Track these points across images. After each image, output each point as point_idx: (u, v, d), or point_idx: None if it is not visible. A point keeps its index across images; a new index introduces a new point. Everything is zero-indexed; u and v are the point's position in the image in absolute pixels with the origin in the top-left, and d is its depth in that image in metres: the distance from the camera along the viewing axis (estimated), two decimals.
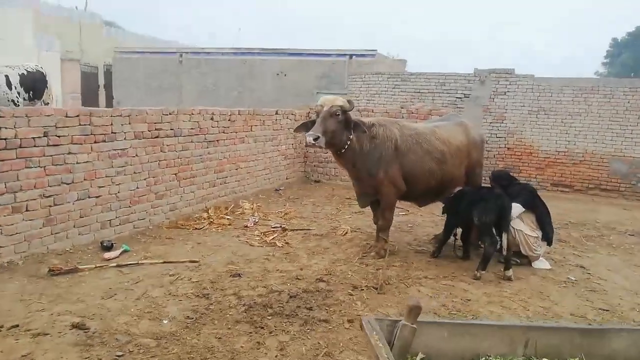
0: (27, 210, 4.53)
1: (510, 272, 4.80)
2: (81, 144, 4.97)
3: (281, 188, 8.75)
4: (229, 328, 3.55)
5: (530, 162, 11.49)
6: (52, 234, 4.81)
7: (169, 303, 3.90)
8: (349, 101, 4.82)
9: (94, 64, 23.11)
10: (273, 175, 8.78)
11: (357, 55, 16.52)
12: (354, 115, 4.97)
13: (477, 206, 4.80)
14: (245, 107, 8.26)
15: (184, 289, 4.21)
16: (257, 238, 5.85)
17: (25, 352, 3.01)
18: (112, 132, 5.30)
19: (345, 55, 16.55)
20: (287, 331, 3.54)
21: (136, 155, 5.67)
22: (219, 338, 3.39)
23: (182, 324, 3.57)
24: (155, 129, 5.92)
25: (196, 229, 6.12)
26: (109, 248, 5.06)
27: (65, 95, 21.94)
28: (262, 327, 3.57)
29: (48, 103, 8.80)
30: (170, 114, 6.12)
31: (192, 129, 6.51)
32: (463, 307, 4.11)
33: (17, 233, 4.46)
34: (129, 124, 5.51)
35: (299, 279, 4.58)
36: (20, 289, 3.96)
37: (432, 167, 5.14)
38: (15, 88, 7.98)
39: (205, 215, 6.64)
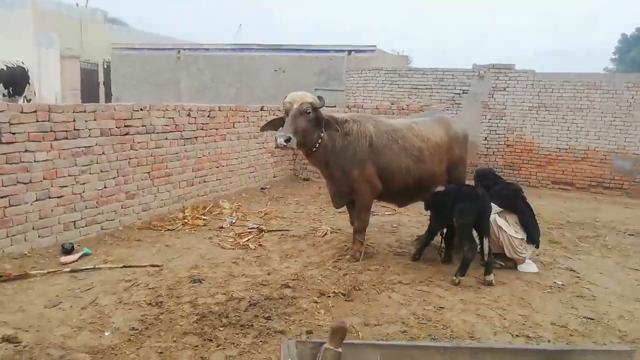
0: None
1: (491, 277, 4.49)
2: (39, 141, 4.73)
3: (267, 187, 8.48)
4: (175, 341, 3.28)
5: (530, 159, 11.12)
6: (7, 236, 4.58)
7: (117, 312, 3.65)
8: (319, 97, 4.53)
9: (94, 61, 22.99)
10: (259, 174, 8.51)
11: (356, 51, 16.19)
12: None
13: (456, 206, 4.49)
14: (244, 104, 8.06)
15: (137, 296, 3.96)
16: (231, 240, 5.59)
17: None
18: (74, 129, 5.06)
19: (343, 51, 16.23)
20: (238, 344, 3.27)
21: (103, 153, 5.43)
22: (160, 352, 3.13)
23: (125, 336, 3.32)
24: (125, 126, 5.67)
25: (168, 230, 5.88)
26: (69, 251, 4.82)
27: (65, 92, 21.88)
28: (211, 340, 3.30)
29: (30, 100, 8.64)
30: (141, 110, 5.87)
31: (166, 125, 6.25)
32: (434, 316, 3.81)
33: None
34: (95, 120, 5.27)
35: (263, 284, 4.31)
36: None
37: (409, 164, 4.84)
38: None
39: (180, 215, 6.40)
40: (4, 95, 7.96)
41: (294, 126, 4.37)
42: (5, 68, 7.98)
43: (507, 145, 11.29)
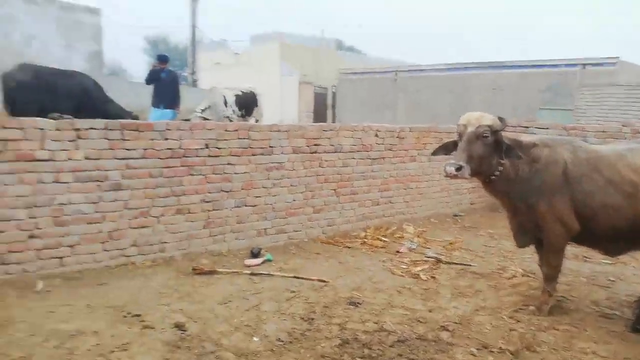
0: (189, 213, 5.17)
1: None
2: (239, 155, 5.43)
3: (460, 214, 7.90)
4: None
5: None
6: (210, 236, 5.36)
7: (272, 320, 3.85)
8: (500, 119, 3.95)
9: (325, 86, 25.70)
10: (452, 199, 8.00)
11: (593, 65, 13.91)
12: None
13: None
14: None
15: (295, 308, 4.11)
16: (403, 267, 5.35)
17: (126, 341, 3.37)
18: (269, 147, 5.64)
19: (576, 65, 14.15)
20: None
21: (293, 169, 5.90)
22: None
23: (270, 345, 3.46)
24: (314, 145, 6.05)
25: (347, 247, 6.00)
26: (255, 255, 5.36)
27: (301, 114, 25.09)
28: None
29: (257, 120, 10.11)
30: (330, 130, 6.19)
31: (353, 145, 6.44)
32: None
33: (179, 232, 5.13)
34: (287, 139, 5.78)
35: (420, 321, 3.95)
36: (165, 282, 4.50)
37: (617, 201, 3.79)
38: (231, 106, 9.43)
39: (362, 234, 6.47)
40: (238, 116, 9.54)
41: (467, 152, 3.89)
42: (240, 93, 9.57)
43: None
